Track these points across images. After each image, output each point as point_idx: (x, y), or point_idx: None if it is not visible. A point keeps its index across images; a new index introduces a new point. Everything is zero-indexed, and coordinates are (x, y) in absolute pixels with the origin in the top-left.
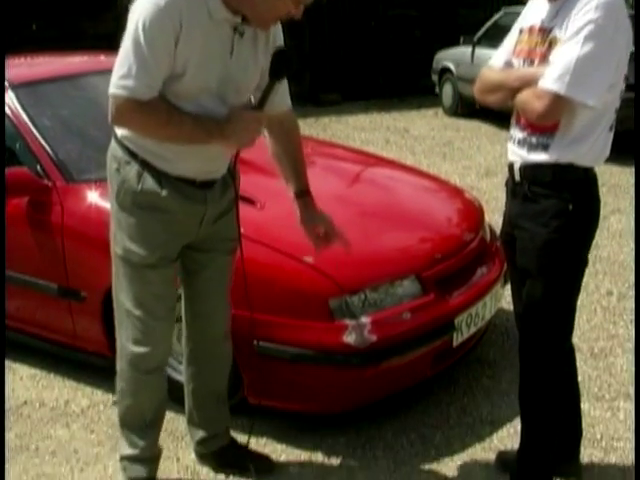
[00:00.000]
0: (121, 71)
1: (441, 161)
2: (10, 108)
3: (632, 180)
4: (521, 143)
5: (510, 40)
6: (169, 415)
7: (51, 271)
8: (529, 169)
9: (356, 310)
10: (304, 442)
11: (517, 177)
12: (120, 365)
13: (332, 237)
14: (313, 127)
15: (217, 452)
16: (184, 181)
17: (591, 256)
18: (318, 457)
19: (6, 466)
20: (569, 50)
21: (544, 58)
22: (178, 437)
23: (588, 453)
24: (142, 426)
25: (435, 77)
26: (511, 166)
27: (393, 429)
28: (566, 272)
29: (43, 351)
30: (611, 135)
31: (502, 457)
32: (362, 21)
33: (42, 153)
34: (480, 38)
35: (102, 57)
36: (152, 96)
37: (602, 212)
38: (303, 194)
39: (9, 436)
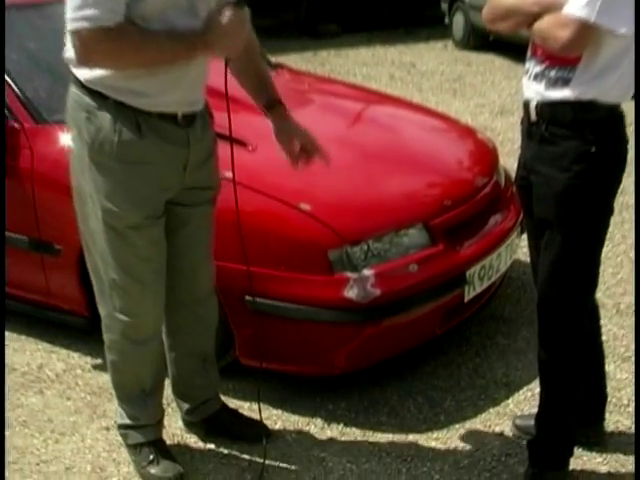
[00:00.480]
0: (76, 1)
1: (451, 99)
2: None
3: None
4: (538, 78)
5: None
6: None
7: (21, 222)
8: (547, 107)
9: (358, 262)
10: (302, 407)
11: (533, 116)
12: (110, 337)
13: (311, 153)
14: (310, 62)
15: (207, 419)
16: (165, 119)
17: (617, 203)
18: (317, 423)
19: None
20: None
21: None
22: (164, 403)
23: (614, 420)
24: (142, 397)
25: (445, 6)
26: (527, 104)
27: (399, 392)
28: (589, 221)
29: (13, 311)
30: None
31: (519, 423)
32: None
33: (7, 91)
34: None
35: None
36: (118, 21)
37: (629, 154)
38: (275, 104)
39: None
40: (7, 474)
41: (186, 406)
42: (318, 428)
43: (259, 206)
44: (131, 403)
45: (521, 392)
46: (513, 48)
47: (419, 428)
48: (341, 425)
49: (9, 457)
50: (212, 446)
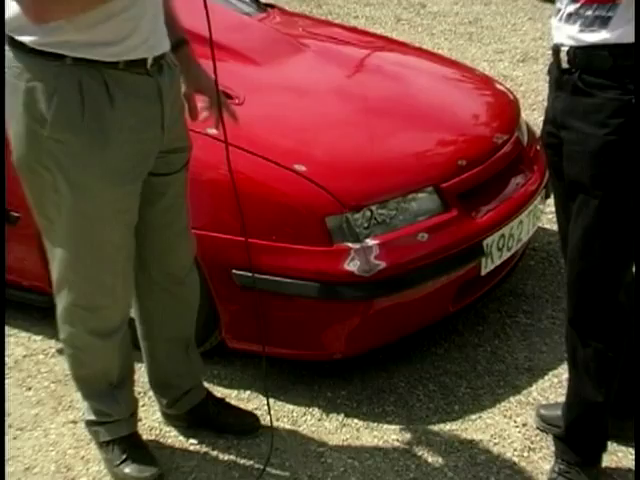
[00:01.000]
0: None
1: (466, 44)
2: None
3: None
4: (572, 18)
5: None
6: None
7: None
8: (581, 52)
9: (360, 230)
10: (297, 396)
11: (565, 63)
12: (69, 330)
13: (215, 107)
14: (305, 2)
15: (191, 411)
16: (134, 69)
17: None
18: (314, 414)
19: None
20: None
21: None
22: (139, 393)
23: None
24: (109, 391)
25: None
26: (556, 49)
27: (407, 379)
28: (628, 183)
29: None
30: None
31: (543, 413)
32: None
33: None
34: None
35: None
36: None
37: None
38: (183, 43)
39: None
40: None
41: (166, 399)
42: (315, 419)
43: (247, 167)
44: (98, 398)
45: (546, 378)
46: None
47: (430, 419)
48: (342, 416)
49: None
50: (195, 441)
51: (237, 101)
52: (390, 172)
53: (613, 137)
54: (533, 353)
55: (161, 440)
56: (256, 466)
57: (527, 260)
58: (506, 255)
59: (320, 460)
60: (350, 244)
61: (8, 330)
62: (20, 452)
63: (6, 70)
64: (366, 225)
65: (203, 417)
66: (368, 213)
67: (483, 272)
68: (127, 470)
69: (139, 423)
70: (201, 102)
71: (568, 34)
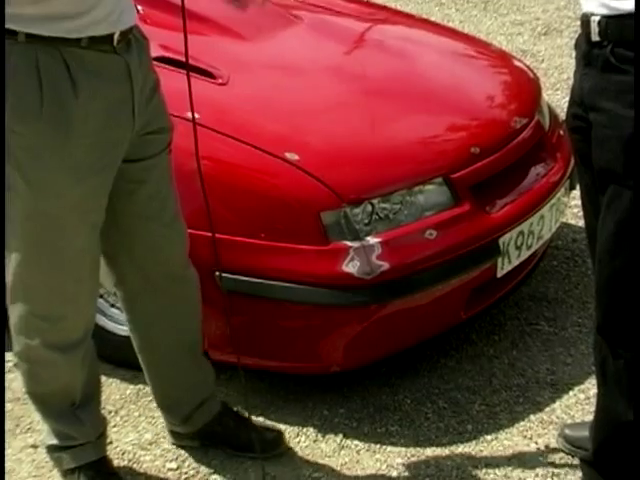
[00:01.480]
0: None
1: (481, 15)
2: None
3: None
4: None
5: None
6: None
7: None
8: (615, 22)
9: (360, 227)
10: (289, 414)
11: (595, 35)
12: (24, 343)
13: None
14: None
15: (206, 426)
16: (98, 46)
17: None
18: (309, 434)
19: None
20: None
21: None
22: (110, 412)
23: None
24: (71, 411)
25: None
26: (585, 19)
27: (413, 395)
28: None
29: None
30: None
31: (569, 434)
32: None
33: None
34: None
35: None
36: None
37: None
38: None
39: None
40: None
41: (176, 417)
42: (310, 440)
43: (231, 156)
44: (60, 419)
45: (571, 394)
46: None
47: (440, 440)
48: (340, 437)
49: None
50: (173, 465)
51: (220, 81)
52: (394, 161)
53: None
54: (556, 365)
55: (135, 466)
56: None
57: (549, 260)
58: (525, 254)
59: None
60: (349, 242)
61: None
62: None
63: None
64: (367, 221)
65: (220, 434)
66: (369, 208)
67: (499, 274)
68: None
69: (109, 446)
70: None
71: (599, 1)
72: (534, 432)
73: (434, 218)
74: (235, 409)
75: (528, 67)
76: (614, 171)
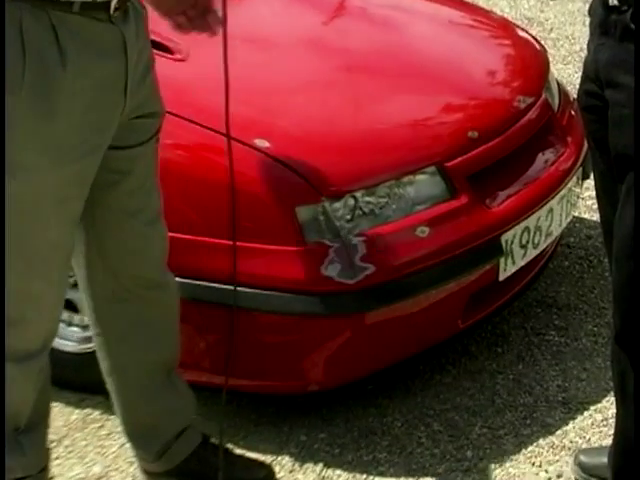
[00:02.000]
0: None
1: None
2: None
3: None
4: None
5: None
6: None
7: None
8: None
9: (341, 224)
10: (261, 441)
11: None
12: None
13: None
14: None
15: (185, 462)
16: (93, 12)
17: None
18: (284, 463)
19: None
20: None
21: None
22: (52, 441)
23: None
24: (13, 436)
25: None
26: None
27: (404, 417)
28: None
29: None
30: None
31: (584, 460)
32: None
33: None
34: None
35: None
36: None
37: None
38: None
39: None
40: None
41: (150, 451)
42: (286, 471)
43: (191, 142)
44: None
45: (586, 414)
46: None
47: (435, 469)
48: (320, 466)
49: None
50: None
51: (179, 56)
52: (380, 148)
53: None
54: (569, 381)
55: None
56: None
57: (560, 260)
58: (532, 254)
59: None
60: (328, 242)
61: None
62: None
63: None
64: (349, 217)
65: (201, 471)
66: (351, 201)
67: (502, 277)
68: None
69: None
70: None
71: None
72: (544, 459)
73: (426, 213)
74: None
75: (534, 38)
76: (633, 157)
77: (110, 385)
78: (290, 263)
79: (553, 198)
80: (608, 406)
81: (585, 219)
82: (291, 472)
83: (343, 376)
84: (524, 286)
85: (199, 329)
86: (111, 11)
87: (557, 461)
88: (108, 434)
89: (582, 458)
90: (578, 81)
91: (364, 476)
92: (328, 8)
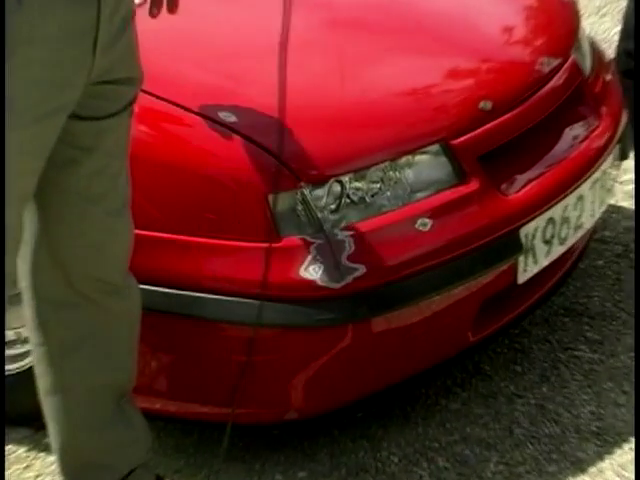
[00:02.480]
0: None
1: None
2: None
3: None
4: None
5: None
6: None
7: None
8: None
9: (324, 215)
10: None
11: None
12: None
13: None
14: None
15: None
16: None
17: None
18: None
19: None
20: None
21: None
22: None
23: None
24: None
25: None
26: None
27: (402, 451)
28: None
29: None
30: None
31: None
32: None
33: None
34: None
35: None
36: None
37: None
38: None
39: None
40: None
41: None
42: None
43: (142, 117)
44: None
45: (625, 447)
46: None
47: None
48: None
49: None
50: None
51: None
52: (372, 122)
53: None
54: (604, 407)
55: None
56: None
57: (592, 259)
58: (558, 251)
59: None
60: (309, 237)
61: None
62: None
63: None
64: (334, 207)
65: None
66: (337, 188)
67: (521, 279)
68: None
69: None
70: None
71: None
72: None
73: (428, 202)
74: None
75: None
76: None
77: (48, 409)
78: (261, 263)
79: (584, 183)
80: None
81: (623, 208)
82: None
83: (328, 401)
84: (548, 290)
85: (152, 345)
86: None
87: None
88: (37, 476)
89: None
90: (616, 38)
91: None
92: None
